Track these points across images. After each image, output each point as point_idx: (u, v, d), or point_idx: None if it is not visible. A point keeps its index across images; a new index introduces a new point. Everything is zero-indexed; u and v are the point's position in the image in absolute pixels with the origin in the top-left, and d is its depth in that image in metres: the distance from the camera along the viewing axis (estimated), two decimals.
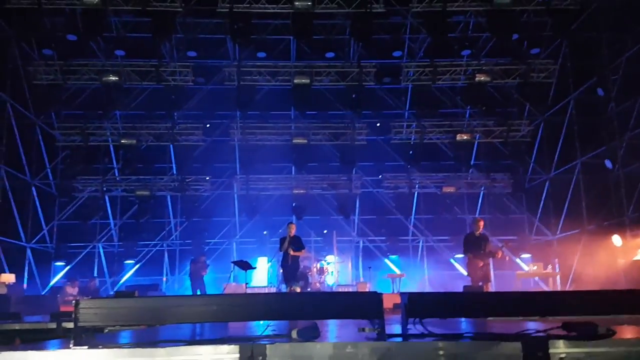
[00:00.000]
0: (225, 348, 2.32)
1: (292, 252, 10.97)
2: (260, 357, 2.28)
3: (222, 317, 2.67)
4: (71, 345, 2.39)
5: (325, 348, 2.32)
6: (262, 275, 15.81)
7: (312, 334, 2.50)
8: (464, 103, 17.33)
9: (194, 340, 2.66)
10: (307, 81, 15.82)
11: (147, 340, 2.93)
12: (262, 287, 15.12)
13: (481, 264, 10.24)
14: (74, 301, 2.59)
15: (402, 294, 2.62)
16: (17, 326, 6.48)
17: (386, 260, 17.64)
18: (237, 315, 2.70)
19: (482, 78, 15.73)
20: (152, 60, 15.86)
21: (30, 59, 15.57)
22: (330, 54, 16.21)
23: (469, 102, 16.94)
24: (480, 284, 10.22)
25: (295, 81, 15.83)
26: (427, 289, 16.77)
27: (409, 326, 2.58)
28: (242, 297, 2.78)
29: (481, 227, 10.37)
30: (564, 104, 15.77)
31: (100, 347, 2.34)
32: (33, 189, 16.47)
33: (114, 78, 15.58)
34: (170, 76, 15.92)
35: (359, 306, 2.59)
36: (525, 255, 16.46)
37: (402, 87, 17.11)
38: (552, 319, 3.52)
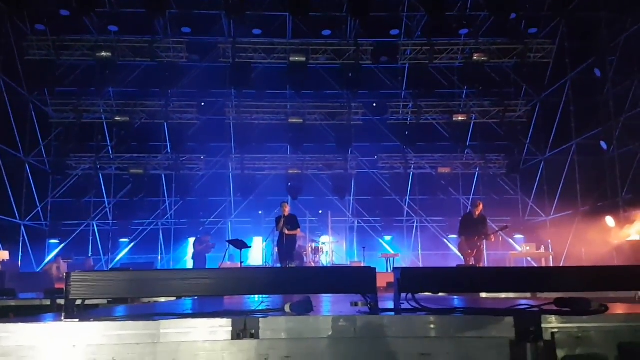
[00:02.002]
0: (218, 321, 2.31)
1: (287, 232, 11.01)
2: (253, 331, 2.27)
3: (216, 291, 2.66)
4: (62, 318, 2.38)
5: (318, 322, 2.31)
6: (257, 254, 15.86)
7: (305, 308, 2.49)
8: (461, 83, 17.26)
9: (186, 314, 2.65)
10: (303, 59, 15.69)
11: (140, 314, 2.93)
12: (257, 266, 15.17)
13: (474, 246, 10.35)
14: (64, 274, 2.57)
15: (395, 269, 2.62)
16: (11, 303, 6.49)
17: (380, 241, 17.72)
18: (231, 289, 2.69)
19: (480, 57, 15.63)
20: (145, 36, 15.66)
21: (23, 35, 15.34)
22: (326, 32, 16.05)
23: (466, 82, 16.87)
24: (472, 264, 10.32)
25: (291, 59, 15.69)
26: None
27: (401, 301, 2.57)
28: (235, 271, 2.77)
29: (480, 210, 10.45)
30: (560, 84, 15.71)
31: (92, 319, 2.33)
32: (27, 166, 16.38)
33: (107, 54, 15.40)
34: (164, 52, 15.74)
35: (353, 281, 2.58)
36: (519, 236, 16.57)
37: (399, 66, 17.01)
38: (545, 297, 3.53)
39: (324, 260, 15.06)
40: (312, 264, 14.48)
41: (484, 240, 10.53)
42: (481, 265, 10.50)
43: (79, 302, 2.54)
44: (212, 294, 2.96)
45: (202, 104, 17.07)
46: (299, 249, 13.85)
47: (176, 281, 2.62)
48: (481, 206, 10.54)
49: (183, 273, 2.74)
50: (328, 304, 3.66)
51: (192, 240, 15.61)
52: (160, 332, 2.27)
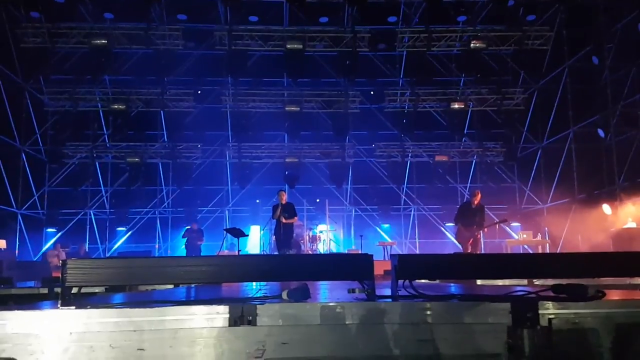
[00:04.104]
0: (215, 308, 2.31)
1: (284, 220, 11.00)
2: (250, 317, 2.27)
3: (213, 278, 2.66)
4: (59, 305, 2.37)
5: (315, 308, 2.31)
6: (255, 243, 15.88)
7: (302, 295, 2.49)
8: (459, 71, 17.20)
9: (184, 301, 2.65)
10: (300, 47, 15.58)
11: (137, 301, 2.92)
12: (255, 254, 15.20)
13: (469, 234, 10.37)
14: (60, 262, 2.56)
15: (392, 256, 2.61)
16: (9, 291, 6.48)
17: (378, 229, 17.74)
18: (229, 276, 2.69)
19: (478, 44, 15.56)
20: (141, 23, 15.52)
21: (17, 22, 15.18)
22: (324, 19, 15.92)
23: (464, 69, 16.82)
24: (469, 252, 10.35)
25: (288, 46, 15.58)
26: None
27: (398, 288, 2.57)
28: (233, 258, 2.76)
29: (478, 199, 10.44)
30: (558, 71, 15.67)
31: (89, 307, 2.32)
32: (23, 154, 16.30)
33: (102, 41, 15.26)
34: (159, 40, 15.62)
35: (350, 267, 2.58)
36: (515, 224, 16.61)
37: (396, 54, 16.92)
38: (541, 284, 3.54)
39: (322, 248, 15.10)
40: (310, 252, 14.51)
41: (480, 231, 10.56)
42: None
43: (75, 289, 2.54)
44: (209, 281, 2.96)
45: (199, 92, 16.97)
46: (297, 238, 13.87)
47: (173, 268, 2.62)
48: (479, 195, 10.53)
49: (180, 260, 2.73)
50: (325, 290, 3.66)
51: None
52: (158, 319, 2.27)
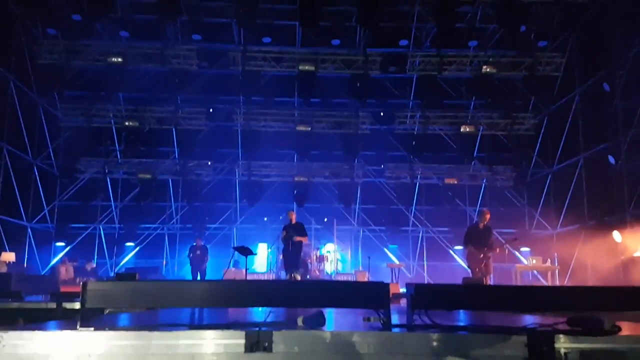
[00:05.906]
0: (232, 333, 2.32)
1: (296, 238, 11.02)
2: (267, 344, 2.29)
3: (230, 302, 2.68)
4: (78, 327, 2.40)
5: (332, 337, 2.32)
6: (262, 261, 15.86)
7: (317, 322, 2.51)
8: (469, 94, 17.23)
9: (200, 325, 2.67)
10: (312, 68, 15.77)
11: (150, 322, 2.94)
12: (262, 272, 15.17)
13: (481, 256, 10.21)
14: (79, 281, 2.59)
15: (408, 285, 2.63)
16: (18, 305, 6.51)
17: (386, 250, 17.67)
18: (245, 300, 2.71)
19: (489, 69, 15.65)
20: (156, 42, 15.78)
21: (34, 38, 15.48)
22: (336, 41, 16.12)
23: (474, 93, 16.86)
24: (480, 275, 10.22)
25: (300, 68, 15.76)
26: (426, 279, 16.88)
27: (414, 317, 2.58)
28: (249, 283, 2.79)
29: (487, 219, 10.28)
30: (569, 97, 15.68)
31: (107, 329, 2.34)
32: (35, 168, 16.46)
33: (118, 59, 15.50)
34: (174, 59, 15.84)
35: (366, 296, 2.59)
36: (525, 249, 16.49)
37: (407, 76, 17.03)
38: (554, 315, 3.52)
39: (329, 268, 15.04)
40: (317, 271, 14.47)
41: (490, 253, 10.41)
42: (489, 277, 10.37)
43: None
44: (226, 305, 2.98)
45: (211, 110, 17.13)
46: (304, 257, 13.82)
47: (187, 292, 2.64)
48: (488, 216, 10.34)
49: (194, 284, 2.76)
50: (340, 318, 3.66)
51: None
52: (175, 342, 2.29)
